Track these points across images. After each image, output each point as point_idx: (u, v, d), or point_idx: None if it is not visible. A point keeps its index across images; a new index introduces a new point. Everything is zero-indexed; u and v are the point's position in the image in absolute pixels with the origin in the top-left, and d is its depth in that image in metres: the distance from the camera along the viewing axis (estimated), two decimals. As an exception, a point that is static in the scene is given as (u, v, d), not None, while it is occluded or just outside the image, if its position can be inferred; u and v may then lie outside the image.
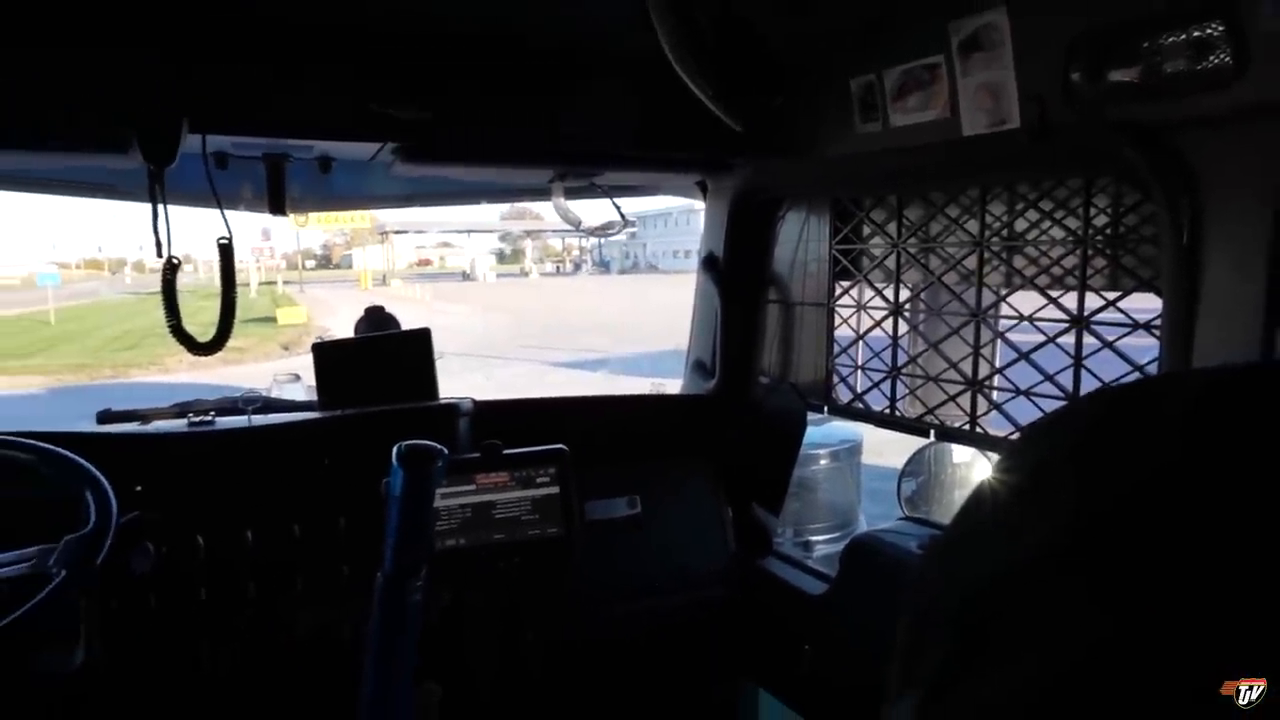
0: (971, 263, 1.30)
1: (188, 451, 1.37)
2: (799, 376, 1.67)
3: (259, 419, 1.46)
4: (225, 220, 1.29)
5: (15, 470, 1.14)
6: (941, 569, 0.29)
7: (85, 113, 1.09)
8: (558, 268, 52.17)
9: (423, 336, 1.59)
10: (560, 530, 1.39)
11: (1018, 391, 1.24)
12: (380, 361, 1.58)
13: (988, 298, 1.28)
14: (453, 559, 1.32)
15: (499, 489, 1.37)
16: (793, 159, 1.46)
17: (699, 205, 1.81)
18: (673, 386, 2.01)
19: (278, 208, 1.48)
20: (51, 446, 1.13)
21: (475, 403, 1.54)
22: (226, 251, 1.27)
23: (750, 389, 1.77)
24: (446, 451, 1.07)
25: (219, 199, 1.36)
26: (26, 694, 1.21)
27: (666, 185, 1.93)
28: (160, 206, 1.20)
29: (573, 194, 1.67)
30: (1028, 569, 0.25)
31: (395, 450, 1.05)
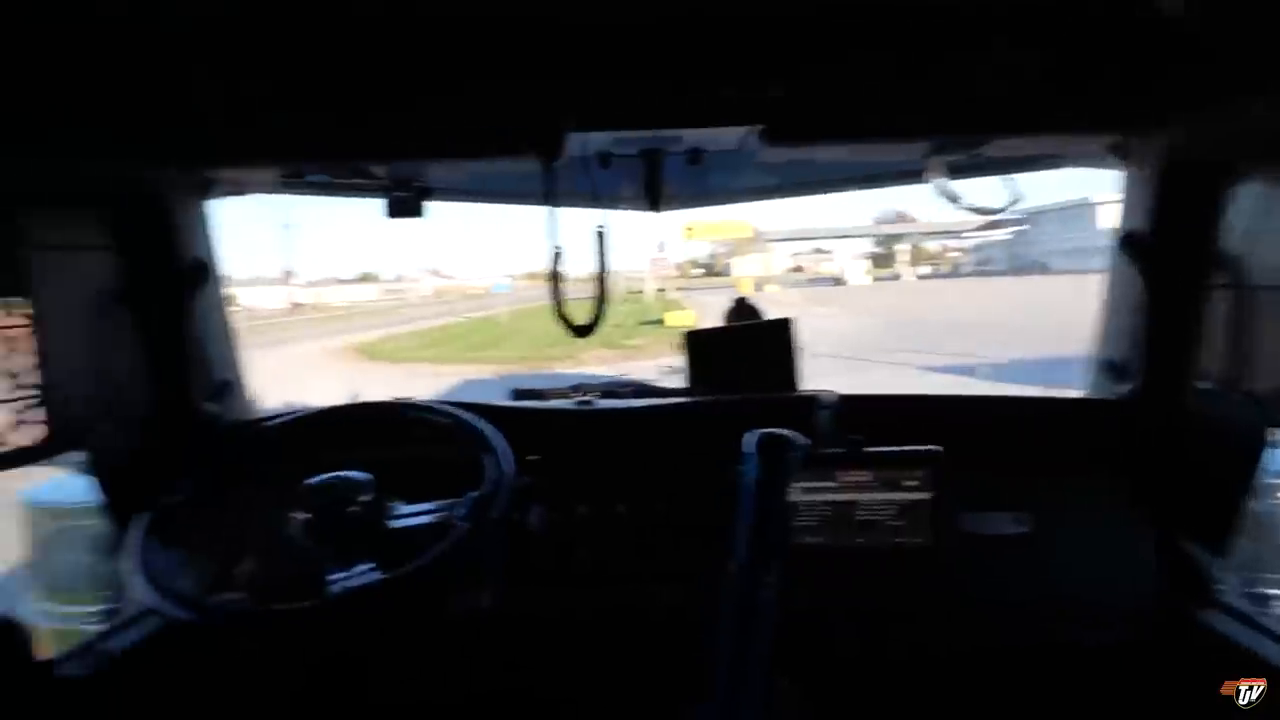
0: None
1: (571, 427, 1.51)
2: (1256, 381, 1.25)
3: (635, 401, 1.55)
4: (604, 208, 1.38)
5: (435, 432, 1.34)
6: None
7: (484, 119, 1.23)
8: (933, 270, 48.94)
9: (784, 326, 1.55)
10: (928, 541, 1.23)
11: None
12: (745, 350, 1.58)
13: None
14: (810, 557, 1.25)
15: (862, 489, 1.26)
16: (1255, 106, 1.09)
17: (1096, 197, 1.43)
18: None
19: (654, 203, 1.56)
20: (463, 414, 1.31)
21: (840, 396, 1.45)
22: (601, 240, 1.36)
23: (1185, 394, 1.38)
24: (808, 442, 1.00)
25: (606, 196, 1.47)
26: (449, 630, 1.43)
27: (1072, 151, 1.57)
28: (553, 204, 1.33)
29: (955, 173, 1.46)
30: None
31: (751, 438, 1.02)
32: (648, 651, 1.42)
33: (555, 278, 1.35)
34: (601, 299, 1.36)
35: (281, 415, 1.36)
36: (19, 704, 1.08)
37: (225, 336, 1.53)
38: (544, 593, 1.43)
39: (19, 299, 1.17)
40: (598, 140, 1.35)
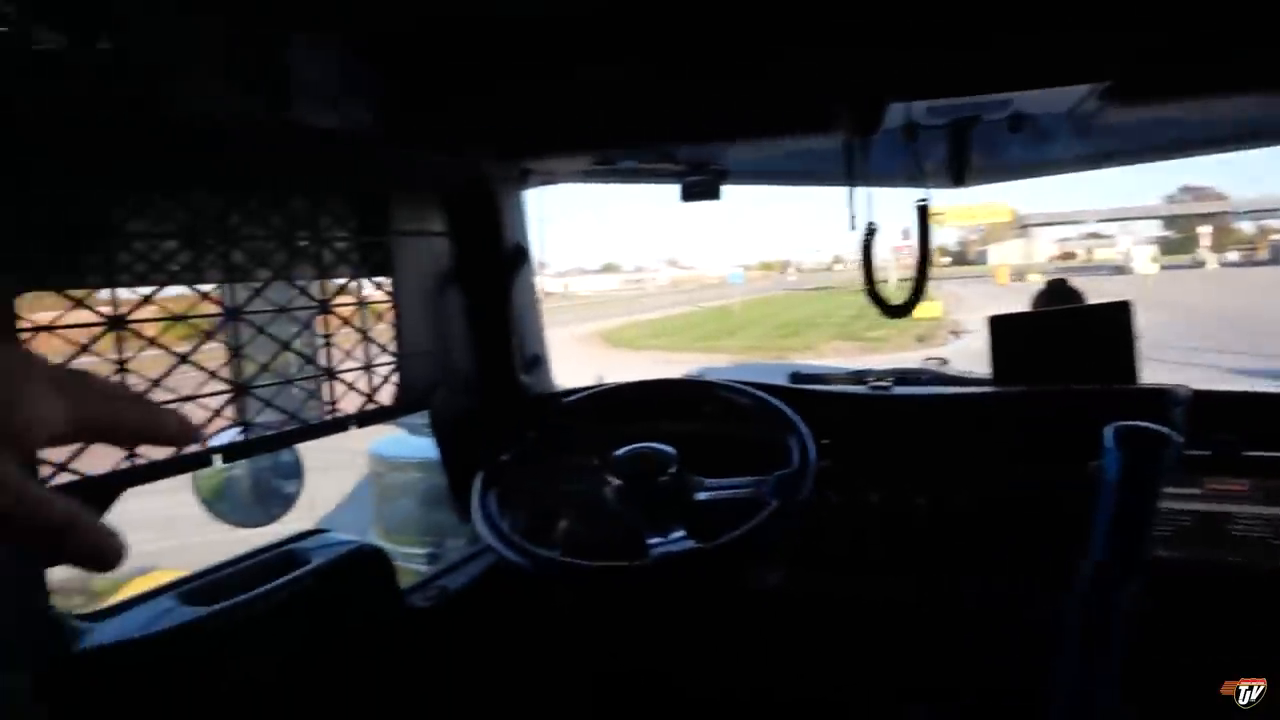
0: None
1: (867, 413, 1.45)
2: None
3: (933, 388, 1.46)
4: (925, 183, 1.30)
5: (737, 413, 1.35)
6: None
7: (799, 94, 1.20)
8: (1245, 257, 41.12)
9: (1120, 311, 1.37)
10: None
11: None
12: (1063, 338, 1.42)
13: None
14: (1163, 572, 1.09)
15: (1236, 499, 1.08)
16: None
17: None
18: None
19: (959, 178, 1.45)
20: (769, 396, 1.31)
21: (1194, 392, 1.25)
22: (923, 214, 1.29)
23: None
24: (1181, 440, 0.88)
25: (903, 173, 1.39)
26: (739, 604, 1.45)
27: None
28: (856, 183, 1.28)
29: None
30: None
31: (1112, 431, 0.91)
32: (942, 648, 1.34)
33: (867, 257, 1.30)
34: (921, 279, 1.29)
35: (593, 388, 1.46)
36: (381, 622, 1.25)
37: (535, 315, 1.67)
38: (833, 577, 1.40)
39: (385, 278, 1.36)
40: (907, 110, 1.28)
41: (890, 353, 12.98)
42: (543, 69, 1.21)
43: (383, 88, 1.12)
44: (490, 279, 1.54)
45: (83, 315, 0.94)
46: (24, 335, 0.86)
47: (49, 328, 0.90)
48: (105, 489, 0.93)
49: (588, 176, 1.61)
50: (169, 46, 0.84)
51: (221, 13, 0.89)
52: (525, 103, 1.26)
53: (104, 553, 0.34)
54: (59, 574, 0.91)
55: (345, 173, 1.29)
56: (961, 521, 1.32)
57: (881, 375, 1.56)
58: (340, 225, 1.26)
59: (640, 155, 1.43)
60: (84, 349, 0.93)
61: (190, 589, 1.07)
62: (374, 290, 1.34)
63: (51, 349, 0.92)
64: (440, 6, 1.00)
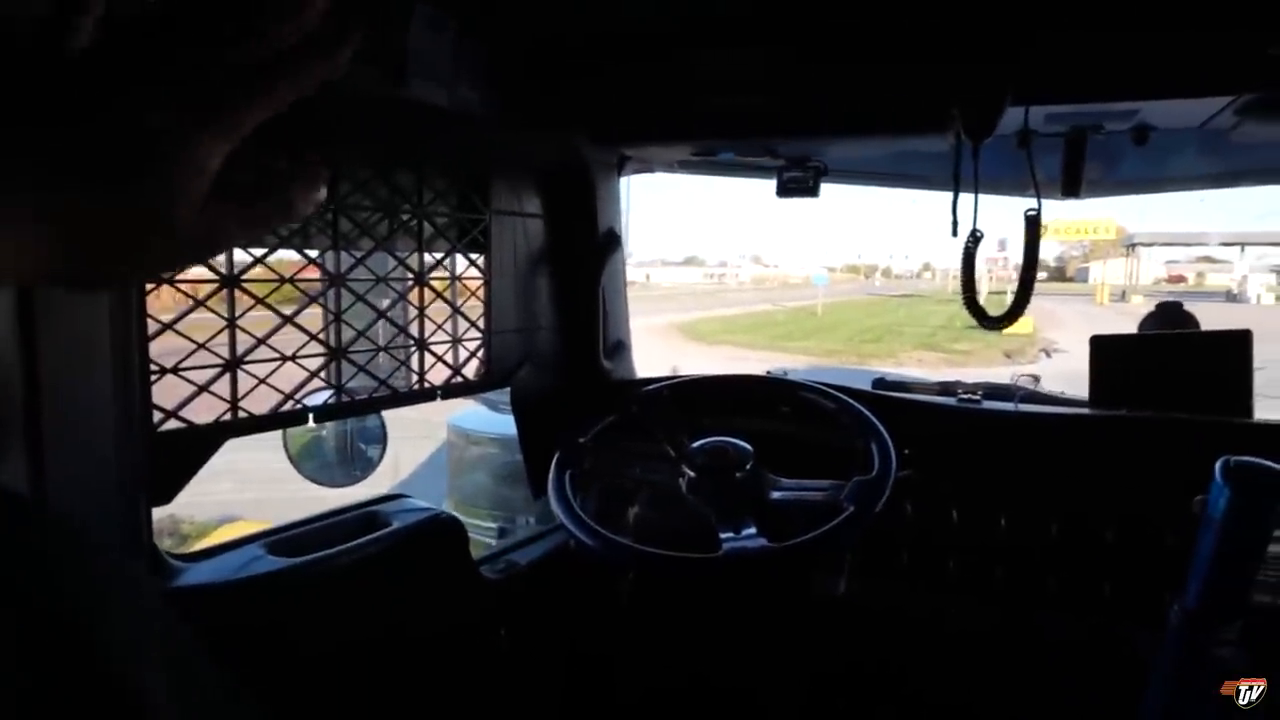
0: None
1: (953, 425, 1.41)
2: None
3: (1025, 406, 1.41)
4: (1038, 193, 1.25)
5: (816, 414, 1.34)
6: None
7: (913, 92, 1.16)
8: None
9: (1239, 341, 1.28)
10: None
11: None
12: (1172, 364, 1.35)
13: None
14: (1264, 619, 1.03)
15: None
16: None
17: None
18: None
19: (1071, 190, 1.38)
20: (851, 401, 1.29)
21: None
22: (1033, 224, 1.23)
23: None
24: None
25: (1011, 181, 1.34)
26: (801, 609, 1.43)
27: None
28: (961, 188, 1.24)
29: None
30: None
31: (1221, 465, 0.85)
32: (1016, 679, 1.29)
33: (969, 265, 1.26)
34: (1025, 292, 1.24)
35: (673, 378, 1.46)
36: (453, 589, 1.29)
37: (622, 302, 1.68)
38: (902, 592, 1.37)
39: (479, 255, 1.39)
40: (1024, 115, 1.23)
41: (975, 367, 12.53)
42: (651, 53, 1.22)
43: (493, 69, 1.14)
44: (581, 263, 1.56)
45: (200, 271, 1.00)
46: (149, 286, 0.92)
47: (170, 281, 0.96)
48: (208, 438, 0.98)
49: (684, 167, 1.61)
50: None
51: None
52: (631, 88, 1.27)
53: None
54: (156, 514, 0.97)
55: (451, 150, 1.32)
56: (1047, 547, 1.27)
57: (970, 388, 1.51)
58: (441, 201, 1.30)
59: (740, 148, 1.42)
60: (199, 304, 0.99)
61: (276, 540, 1.12)
62: (465, 266, 1.38)
63: (170, 302, 0.98)
64: None
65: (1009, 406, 1.41)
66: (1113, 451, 1.27)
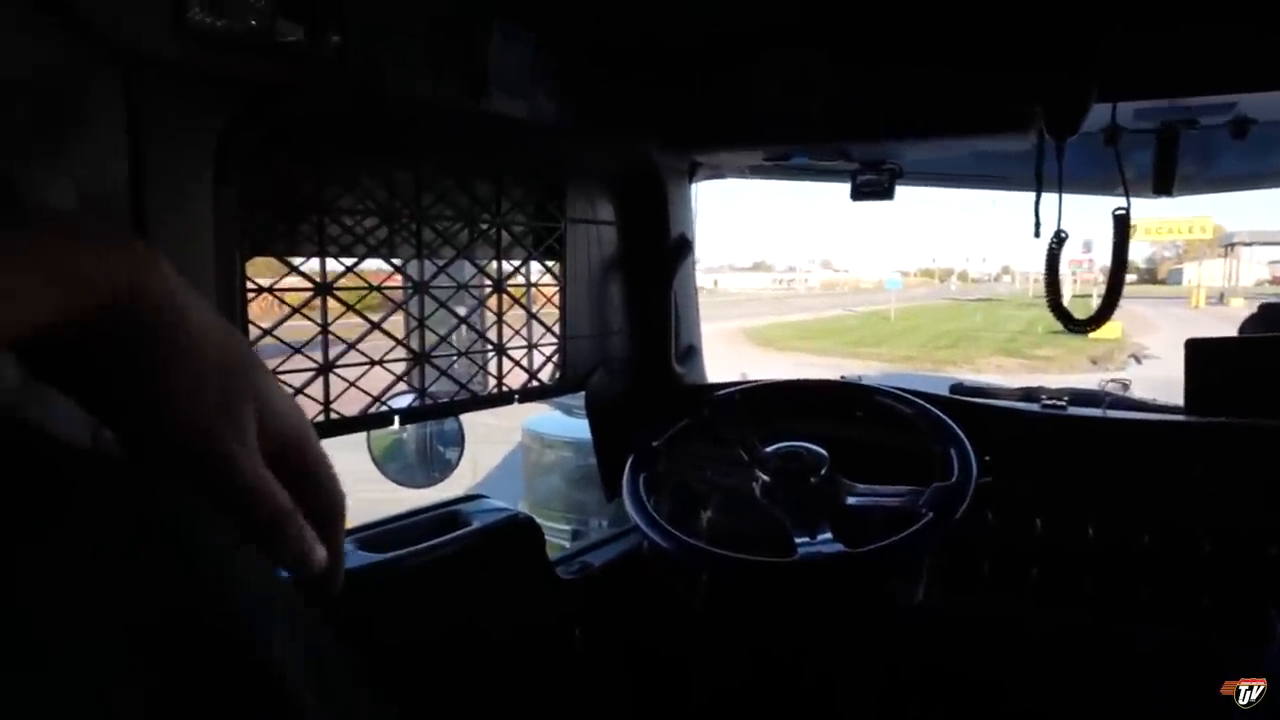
0: None
1: (1038, 431, 1.36)
2: None
3: (1114, 413, 1.35)
4: (1126, 192, 1.20)
5: (893, 420, 1.32)
6: None
7: (992, 91, 1.14)
8: None
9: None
10: None
11: None
12: (1274, 368, 1.28)
13: None
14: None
15: None
16: None
17: None
18: None
19: (1164, 188, 1.33)
20: (930, 406, 1.27)
21: None
22: (1122, 223, 1.19)
23: None
24: None
25: (1098, 180, 1.29)
26: (876, 617, 1.41)
27: None
28: (1045, 188, 1.20)
29: None
30: None
31: None
32: (1106, 694, 1.24)
33: (1052, 267, 1.22)
34: (1114, 294, 1.20)
35: (746, 383, 1.46)
36: (530, 588, 1.32)
37: (693, 307, 1.69)
38: (984, 602, 1.33)
39: (554, 263, 1.43)
40: (1111, 111, 1.19)
41: (1058, 374, 12.04)
42: (721, 59, 1.23)
43: (568, 79, 1.17)
44: (654, 269, 1.58)
45: (295, 281, 1.06)
46: (250, 294, 0.98)
47: (269, 289, 1.02)
48: None
49: (756, 172, 1.61)
50: (387, 38, 0.93)
51: (430, 7, 0.97)
52: (702, 93, 1.28)
53: (302, 559, 0.34)
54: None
55: (528, 160, 1.36)
56: (1139, 557, 1.22)
57: (1055, 394, 1.46)
58: (519, 210, 1.34)
59: (813, 152, 1.41)
60: (295, 311, 1.05)
61: (364, 536, 1.17)
62: (540, 274, 1.41)
63: (268, 309, 1.04)
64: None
65: (1097, 413, 1.36)
66: (1211, 460, 1.21)
